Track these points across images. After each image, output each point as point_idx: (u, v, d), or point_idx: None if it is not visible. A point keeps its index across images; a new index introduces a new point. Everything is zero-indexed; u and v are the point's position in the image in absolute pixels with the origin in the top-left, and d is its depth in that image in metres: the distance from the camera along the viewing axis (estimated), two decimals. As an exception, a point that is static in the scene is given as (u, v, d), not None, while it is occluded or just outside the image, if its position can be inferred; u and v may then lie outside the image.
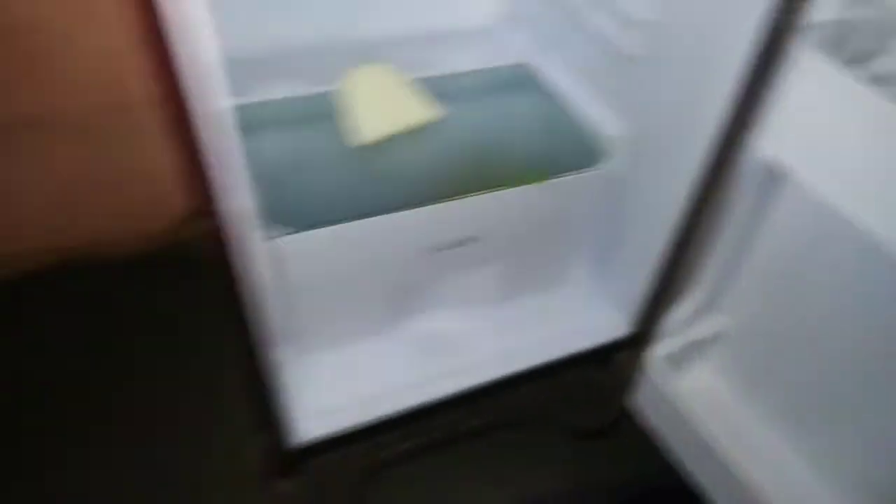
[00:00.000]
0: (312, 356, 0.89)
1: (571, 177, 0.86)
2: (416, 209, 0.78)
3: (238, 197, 0.61)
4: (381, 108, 0.85)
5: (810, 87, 0.66)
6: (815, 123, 0.68)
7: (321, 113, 0.87)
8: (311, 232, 0.74)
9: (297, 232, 0.74)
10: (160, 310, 1.20)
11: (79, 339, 1.16)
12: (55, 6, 0.98)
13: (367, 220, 0.76)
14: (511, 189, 0.82)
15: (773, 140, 0.72)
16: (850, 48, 0.66)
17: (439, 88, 0.92)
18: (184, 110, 0.47)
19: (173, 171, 1.23)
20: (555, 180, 0.85)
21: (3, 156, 1.12)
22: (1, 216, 1.17)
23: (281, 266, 0.76)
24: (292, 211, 0.75)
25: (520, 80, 0.98)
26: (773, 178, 0.76)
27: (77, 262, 1.24)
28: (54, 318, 1.19)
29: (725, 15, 0.67)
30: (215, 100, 0.53)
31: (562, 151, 0.88)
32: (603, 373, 1.00)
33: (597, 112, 0.91)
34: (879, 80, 0.66)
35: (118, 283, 1.23)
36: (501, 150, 0.87)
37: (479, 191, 0.81)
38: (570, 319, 0.98)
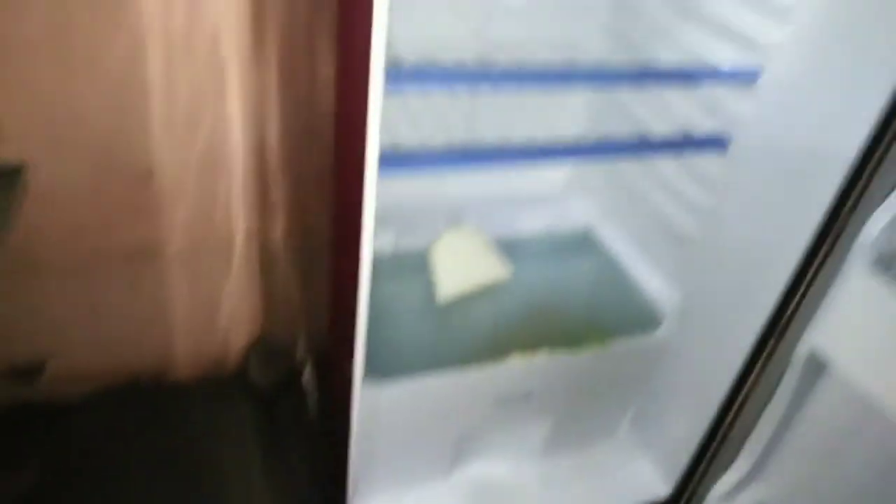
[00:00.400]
0: (366, 500, 0.93)
1: (626, 342, 0.93)
2: (486, 366, 0.86)
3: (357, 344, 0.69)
4: (461, 268, 0.96)
5: (858, 291, 0.73)
6: (860, 325, 0.75)
7: (413, 268, 0.98)
8: (395, 381, 0.81)
9: (384, 380, 0.81)
10: (225, 434, 1.26)
11: (146, 458, 1.22)
12: (172, 155, 1.12)
13: (444, 373, 0.83)
14: (569, 351, 0.90)
15: (819, 332, 0.79)
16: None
17: (513, 247, 1.02)
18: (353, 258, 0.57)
19: (246, 304, 1.34)
20: (611, 345, 0.92)
21: (100, 279, 1.22)
22: (89, 334, 1.27)
23: (365, 411, 0.82)
24: (381, 360, 0.82)
25: (583, 244, 1.09)
26: (817, 365, 0.82)
27: (146, 382, 1.32)
28: (121, 434, 1.25)
29: (781, 216, 0.77)
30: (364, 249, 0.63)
31: (619, 316, 0.96)
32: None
33: (654, 281, 0.99)
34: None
35: (183, 404, 1.31)
36: (563, 311, 0.96)
37: (541, 351, 0.89)
38: (613, 476, 1.02)
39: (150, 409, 1.30)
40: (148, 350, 1.34)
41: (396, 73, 0.60)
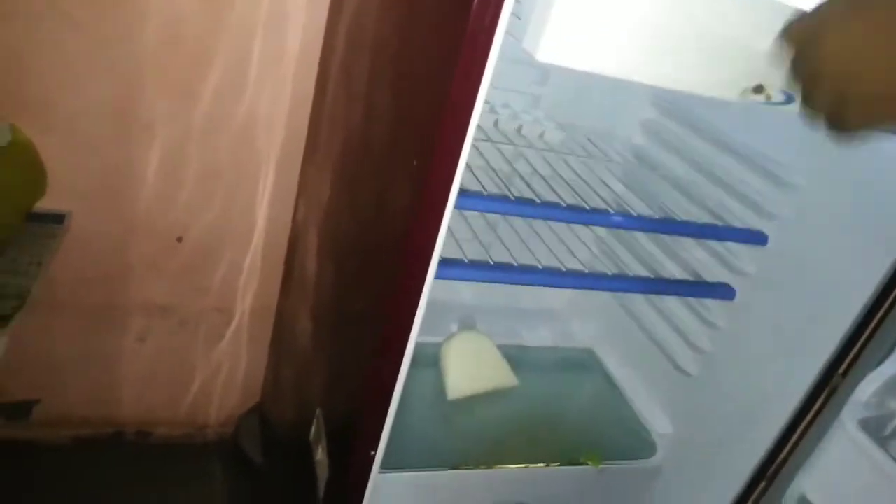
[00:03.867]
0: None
1: (619, 465, 0.97)
2: (484, 469, 0.89)
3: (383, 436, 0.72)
4: (470, 369, 1.01)
5: (847, 448, 0.79)
6: (846, 480, 0.80)
7: (423, 362, 1.02)
8: (398, 471, 0.84)
9: (387, 470, 0.82)
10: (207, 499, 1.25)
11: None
12: (202, 225, 1.18)
13: (446, 471, 0.87)
14: (564, 466, 0.94)
15: (808, 480, 0.84)
16: (891, 428, 0.81)
17: (519, 358, 1.07)
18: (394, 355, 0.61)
19: (246, 373, 1.36)
20: (605, 466, 0.96)
21: (106, 328, 1.25)
22: (83, 380, 1.27)
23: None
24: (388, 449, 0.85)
25: (585, 363, 1.14)
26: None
27: (132, 436, 1.32)
28: (99, 485, 1.23)
29: (781, 368, 0.83)
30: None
31: (615, 438, 1.00)
32: None
33: (651, 408, 1.04)
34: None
35: (168, 463, 1.30)
36: (562, 425, 1.00)
37: (538, 462, 0.92)
38: None
39: (133, 463, 1.28)
40: (138, 404, 1.35)
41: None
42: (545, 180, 0.89)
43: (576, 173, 0.95)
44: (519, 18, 0.52)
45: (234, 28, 1.01)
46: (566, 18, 0.50)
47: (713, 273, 0.95)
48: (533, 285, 0.79)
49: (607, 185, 0.97)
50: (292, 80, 1.08)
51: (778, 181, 0.87)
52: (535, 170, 0.94)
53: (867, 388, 0.76)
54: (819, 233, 0.81)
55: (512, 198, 0.77)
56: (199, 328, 1.27)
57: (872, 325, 0.77)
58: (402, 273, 0.64)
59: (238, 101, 1.07)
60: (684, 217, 0.91)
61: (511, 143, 0.94)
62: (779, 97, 0.61)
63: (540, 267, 0.81)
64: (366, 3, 0.86)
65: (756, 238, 0.88)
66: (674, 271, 0.99)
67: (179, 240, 1.16)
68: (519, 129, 1.00)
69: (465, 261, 0.77)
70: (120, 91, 1.00)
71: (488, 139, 0.92)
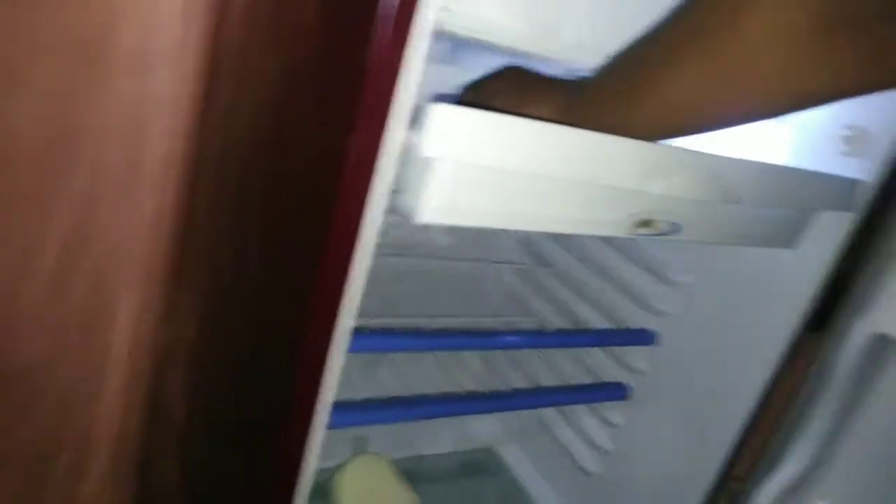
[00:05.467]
0: None
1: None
2: None
3: None
4: (370, 501, 0.92)
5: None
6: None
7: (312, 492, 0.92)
8: None
9: None
10: None
11: None
12: (58, 355, 1.03)
13: None
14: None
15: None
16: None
17: (417, 471, 1.00)
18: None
19: None
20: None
21: None
22: None
23: None
24: None
25: (487, 466, 1.09)
26: None
27: None
28: None
29: (681, 463, 0.82)
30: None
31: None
32: None
33: (556, 511, 1.01)
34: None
35: None
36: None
37: None
38: None
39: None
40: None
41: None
42: (434, 296, 0.85)
43: (466, 279, 0.91)
44: (394, 191, 0.47)
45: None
46: (443, 184, 0.46)
47: (609, 371, 0.93)
48: (426, 419, 0.73)
49: (499, 289, 0.94)
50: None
51: (665, 279, 0.87)
52: (425, 282, 0.89)
53: (767, 494, 0.76)
54: (707, 329, 0.82)
55: (399, 330, 0.71)
56: (50, 466, 1.10)
57: (769, 423, 0.77)
58: (288, 425, 0.57)
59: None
60: (578, 313, 0.89)
61: (399, 253, 0.89)
62: (666, 228, 0.60)
63: (430, 394, 0.75)
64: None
65: (643, 339, 0.87)
66: (572, 371, 0.97)
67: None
68: (406, 237, 0.95)
69: (358, 400, 0.71)
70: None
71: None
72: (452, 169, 0.46)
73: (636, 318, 0.90)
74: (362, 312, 0.54)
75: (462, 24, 0.51)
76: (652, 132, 0.53)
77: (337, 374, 0.56)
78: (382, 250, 0.87)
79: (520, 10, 0.52)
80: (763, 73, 0.43)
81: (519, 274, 1.03)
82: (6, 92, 0.73)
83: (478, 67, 0.84)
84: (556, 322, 1.00)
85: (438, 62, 0.84)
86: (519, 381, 1.02)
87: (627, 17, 0.54)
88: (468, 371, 0.87)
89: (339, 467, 0.95)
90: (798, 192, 0.64)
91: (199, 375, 0.83)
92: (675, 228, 0.60)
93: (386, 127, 0.44)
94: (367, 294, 0.79)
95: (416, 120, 0.44)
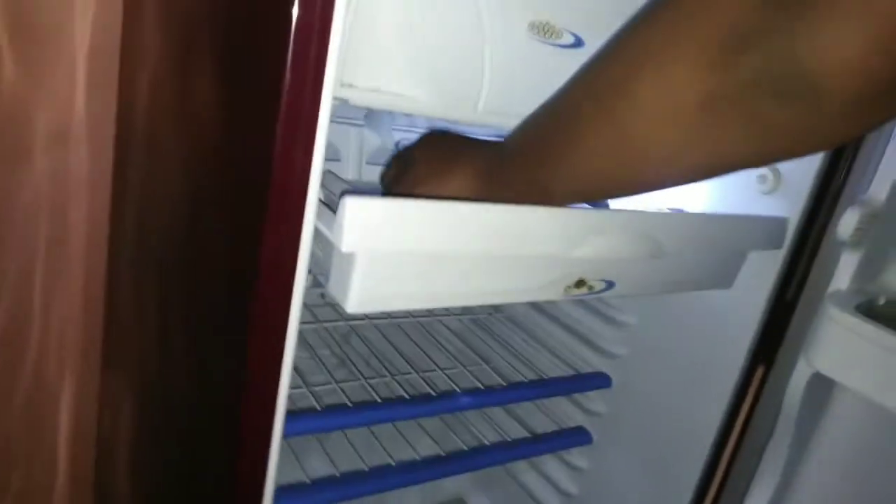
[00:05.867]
0: None
1: None
2: None
3: None
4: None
5: None
6: None
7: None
8: None
9: None
10: None
11: None
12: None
13: None
14: None
15: None
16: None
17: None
18: None
19: None
20: None
21: None
22: None
23: None
24: None
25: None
26: None
27: None
28: None
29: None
30: None
31: None
32: None
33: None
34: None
35: None
36: None
37: None
38: None
39: None
40: None
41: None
42: (379, 358, 0.83)
43: (418, 330, 0.90)
44: (322, 282, 0.47)
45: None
46: (366, 276, 0.45)
47: (572, 416, 0.93)
48: (384, 492, 0.72)
49: (452, 338, 0.93)
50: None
51: (613, 321, 0.87)
52: (369, 347, 0.88)
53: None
54: (657, 369, 0.82)
55: (348, 405, 0.70)
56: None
57: (728, 459, 0.78)
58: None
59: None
60: (533, 362, 0.88)
61: (340, 318, 0.87)
62: (601, 287, 0.60)
63: (387, 465, 0.74)
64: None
65: (599, 382, 0.87)
66: (534, 419, 0.96)
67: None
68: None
69: (307, 481, 0.69)
70: None
71: (315, 320, 0.85)
72: (373, 260, 0.45)
73: (592, 362, 0.90)
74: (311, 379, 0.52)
75: (369, 100, 0.51)
76: (574, 195, 0.53)
77: (276, 461, 0.54)
78: (329, 315, 0.86)
79: (428, 82, 0.52)
80: (669, 142, 0.43)
81: (473, 321, 1.03)
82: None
83: (397, 129, 0.84)
84: (514, 368, 0.99)
85: (359, 126, 0.84)
86: (483, 432, 1.01)
87: (539, 81, 0.54)
88: (428, 429, 0.86)
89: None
90: (727, 236, 0.65)
91: (141, 460, 0.80)
92: (609, 285, 0.60)
93: (299, 222, 0.44)
94: (319, 356, 0.78)
95: (324, 214, 0.44)
